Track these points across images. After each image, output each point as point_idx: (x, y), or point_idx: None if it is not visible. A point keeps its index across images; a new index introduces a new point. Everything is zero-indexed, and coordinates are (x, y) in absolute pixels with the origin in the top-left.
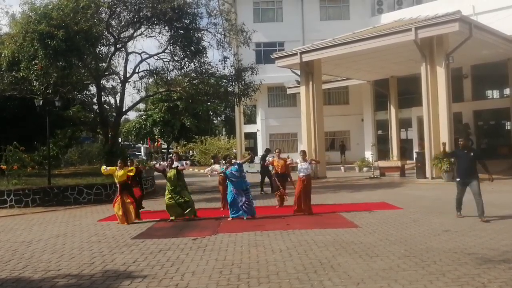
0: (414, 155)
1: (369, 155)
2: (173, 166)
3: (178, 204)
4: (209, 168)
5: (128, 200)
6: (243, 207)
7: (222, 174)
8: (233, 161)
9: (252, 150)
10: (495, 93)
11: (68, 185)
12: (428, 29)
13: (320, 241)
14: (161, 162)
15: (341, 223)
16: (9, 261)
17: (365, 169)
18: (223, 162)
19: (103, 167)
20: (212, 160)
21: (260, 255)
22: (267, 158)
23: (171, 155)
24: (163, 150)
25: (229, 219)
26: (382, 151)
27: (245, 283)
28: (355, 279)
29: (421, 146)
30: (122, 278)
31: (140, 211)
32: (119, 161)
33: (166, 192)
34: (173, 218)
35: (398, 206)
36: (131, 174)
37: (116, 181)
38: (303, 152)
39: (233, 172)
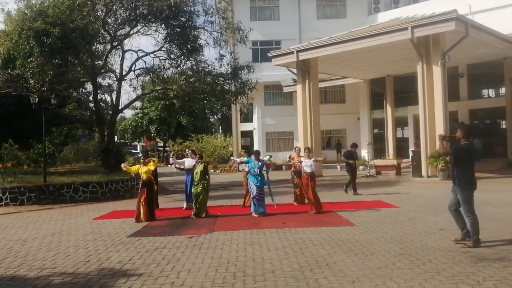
0: (410, 154)
1: (365, 153)
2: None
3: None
4: (238, 159)
5: (143, 199)
6: (254, 200)
7: (244, 165)
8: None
9: (248, 148)
10: (491, 92)
11: (64, 183)
12: (424, 28)
13: (316, 239)
14: (174, 159)
15: (337, 221)
16: (4, 259)
17: (361, 167)
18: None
19: (123, 164)
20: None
21: (256, 253)
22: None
23: (188, 153)
24: (159, 148)
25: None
26: (378, 150)
27: (241, 281)
28: (351, 278)
29: (417, 145)
30: (118, 276)
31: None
32: (142, 158)
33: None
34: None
35: (394, 204)
36: (153, 167)
37: (143, 176)
38: (308, 149)
39: (255, 167)
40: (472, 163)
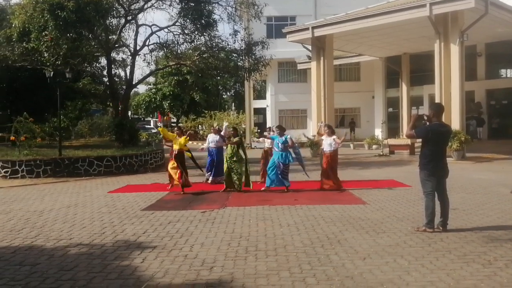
0: None
1: (379, 132)
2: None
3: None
4: (262, 138)
5: (175, 165)
6: (279, 176)
7: (269, 139)
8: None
9: (261, 125)
10: (509, 72)
11: (78, 156)
12: (443, 5)
13: (327, 216)
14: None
15: (349, 199)
16: (21, 230)
17: (374, 146)
18: (274, 131)
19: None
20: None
21: (268, 228)
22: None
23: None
24: (173, 124)
25: (262, 188)
26: (392, 129)
27: (253, 255)
28: (362, 254)
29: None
30: (133, 248)
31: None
32: (176, 129)
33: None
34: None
35: (407, 183)
36: (186, 141)
37: (174, 147)
38: (328, 126)
39: (279, 143)
40: (437, 145)
